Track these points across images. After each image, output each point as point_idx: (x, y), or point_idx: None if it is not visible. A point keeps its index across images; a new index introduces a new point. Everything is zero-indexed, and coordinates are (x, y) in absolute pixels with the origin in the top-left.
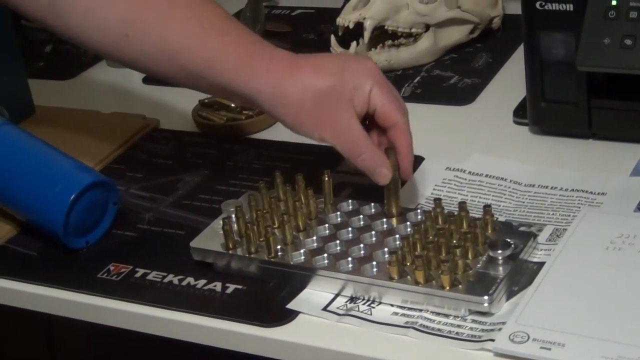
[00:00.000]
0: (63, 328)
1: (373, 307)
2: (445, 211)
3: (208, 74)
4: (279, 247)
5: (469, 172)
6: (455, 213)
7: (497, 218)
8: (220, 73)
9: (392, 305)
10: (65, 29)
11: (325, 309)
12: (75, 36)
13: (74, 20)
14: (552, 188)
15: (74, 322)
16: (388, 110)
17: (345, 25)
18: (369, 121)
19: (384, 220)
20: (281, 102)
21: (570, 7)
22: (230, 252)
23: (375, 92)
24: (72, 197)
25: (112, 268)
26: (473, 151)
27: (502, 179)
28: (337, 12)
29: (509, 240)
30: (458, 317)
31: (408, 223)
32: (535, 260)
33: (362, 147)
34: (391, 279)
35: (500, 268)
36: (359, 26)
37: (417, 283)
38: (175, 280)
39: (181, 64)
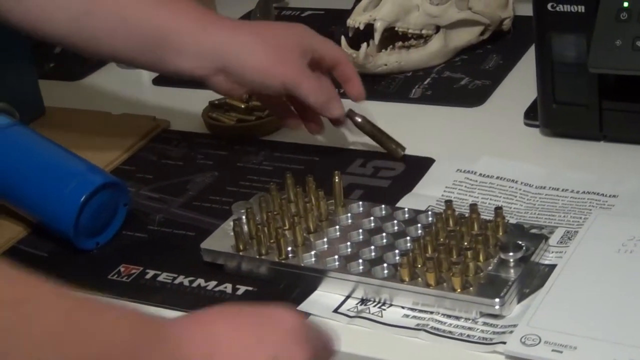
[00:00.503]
0: None
1: (384, 309)
2: (456, 213)
3: (168, 41)
4: (289, 248)
5: (480, 174)
6: (466, 215)
7: (508, 220)
8: (182, 35)
9: (403, 307)
10: (22, 12)
11: (336, 311)
12: (32, 19)
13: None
14: (563, 190)
15: None
16: (332, 52)
17: (356, 26)
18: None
19: (395, 222)
20: (247, 51)
21: (581, 8)
22: (240, 253)
23: (317, 41)
24: (82, 198)
25: (122, 269)
26: (484, 153)
27: (513, 181)
28: (347, 13)
29: (520, 242)
30: (469, 319)
31: (419, 225)
32: (546, 262)
33: (320, 84)
34: (402, 281)
35: (512, 270)
36: (370, 27)
37: (428, 285)
38: (186, 282)
39: (139, 36)
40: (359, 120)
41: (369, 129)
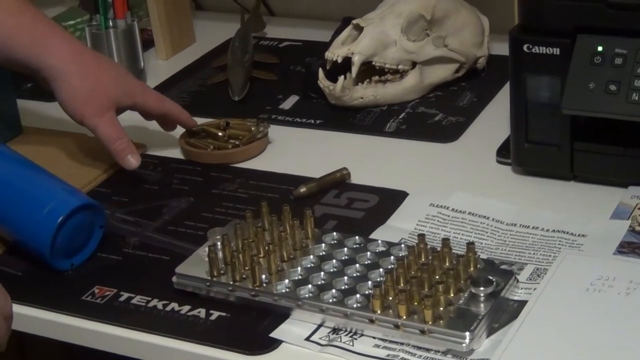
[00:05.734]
0: (36, 348)
1: (355, 339)
2: (429, 247)
3: (6, 50)
4: (263, 276)
5: (452, 209)
6: (438, 249)
7: (479, 255)
8: (17, 49)
9: (374, 337)
10: None
11: (307, 339)
12: None
13: None
14: (533, 228)
15: (47, 343)
16: (158, 104)
17: (334, 59)
18: None
19: (368, 253)
20: (63, 80)
21: (557, 51)
22: (215, 279)
23: (145, 96)
24: (59, 220)
25: (96, 291)
26: (456, 188)
27: (484, 217)
28: (324, 45)
29: (490, 277)
30: (439, 351)
31: (392, 257)
32: (515, 298)
33: (120, 133)
34: (374, 312)
35: (482, 305)
36: (347, 61)
37: (399, 317)
38: (160, 305)
39: None
40: (302, 190)
41: (316, 188)
